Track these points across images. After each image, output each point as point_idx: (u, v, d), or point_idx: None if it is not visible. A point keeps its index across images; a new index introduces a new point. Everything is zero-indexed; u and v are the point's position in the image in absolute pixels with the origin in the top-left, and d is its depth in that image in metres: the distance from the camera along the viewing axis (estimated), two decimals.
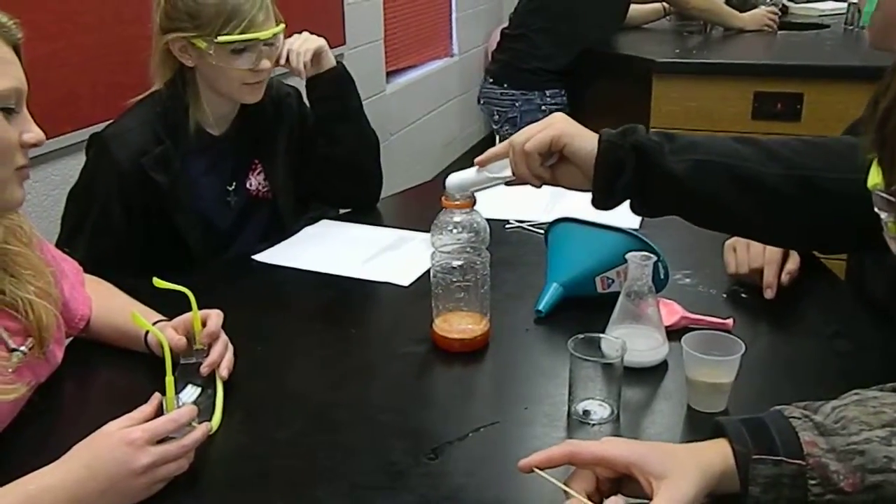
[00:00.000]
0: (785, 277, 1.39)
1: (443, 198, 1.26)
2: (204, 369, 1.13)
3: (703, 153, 1.10)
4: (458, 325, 1.28)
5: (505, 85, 3.09)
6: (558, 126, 1.13)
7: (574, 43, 3.03)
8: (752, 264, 1.40)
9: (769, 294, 1.37)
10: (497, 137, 3.30)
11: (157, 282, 1.16)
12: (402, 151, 4.14)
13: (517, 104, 3.05)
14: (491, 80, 3.18)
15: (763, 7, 3.44)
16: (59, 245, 1.38)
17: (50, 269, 1.17)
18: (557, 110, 2.99)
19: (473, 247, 1.26)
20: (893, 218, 0.80)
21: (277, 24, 1.59)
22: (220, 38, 1.51)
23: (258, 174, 1.75)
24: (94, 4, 1.95)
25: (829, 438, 0.81)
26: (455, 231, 1.25)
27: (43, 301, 1.11)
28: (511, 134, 3.14)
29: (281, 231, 1.75)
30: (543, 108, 3.00)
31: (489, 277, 1.27)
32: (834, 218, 1.10)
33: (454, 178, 1.23)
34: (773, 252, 1.40)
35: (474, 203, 1.26)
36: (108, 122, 2.00)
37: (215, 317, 1.18)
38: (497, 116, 3.14)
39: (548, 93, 3.03)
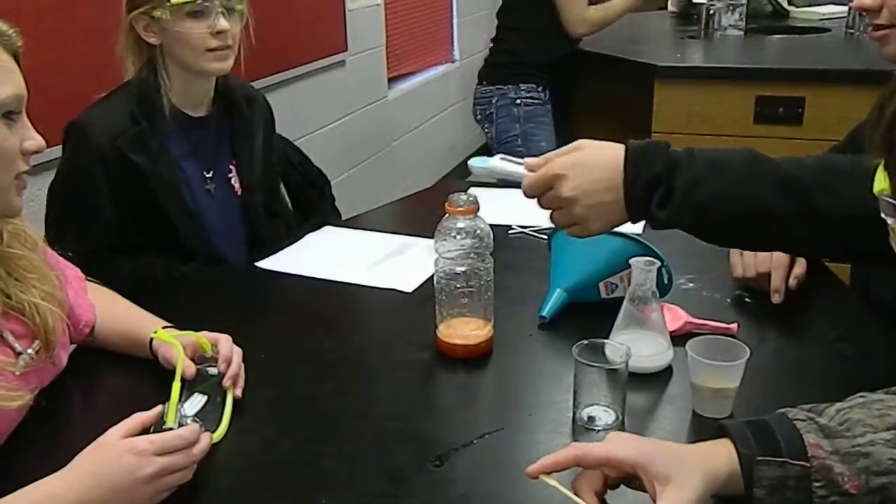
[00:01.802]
0: (793, 282, 1.38)
1: (446, 204, 1.27)
2: (226, 382, 1.13)
3: (712, 196, 1.07)
4: (462, 331, 1.28)
5: (484, 83, 3.10)
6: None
7: (541, 39, 2.98)
8: (759, 268, 1.40)
9: (777, 299, 1.37)
10: (485, 135, 3.26)
11: (160, 334, 1.18)
12: (403, 157, 4.15)
13: (493, 100, 3.02)
14: (477, 82, 3.19)
15: None
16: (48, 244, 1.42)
17: (54, 272, 1.17)
18: (534, 105, 2.95)
19: (477, 253, 1.26)
20: None
21: None
22: (174, 1, 1.54)
23: (234, 175, 1.76)
24: (96, 12, 1.96)
25: (834, 441, 0.82)
26: (458, 237, 1.25)
27: (48, 304, 1.11)
28: (490, 131, 3.20)
29: (253, 232, 1.76)
30: (518, 101, 2.96)
31: (493, 283, 1.27)
32: (843, 243, 1.10)
33: (479, 160, 1.24)
34: (781, 256, 1.39)
35: (478, 209, 1.26)
36: None
37: (225, 341, 1.18)
38: (479, 115, 3.12)
39: (522, 87, 2.97)
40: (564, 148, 1.15)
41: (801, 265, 1.41)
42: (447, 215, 1.26)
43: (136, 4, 1.58)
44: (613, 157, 1.10)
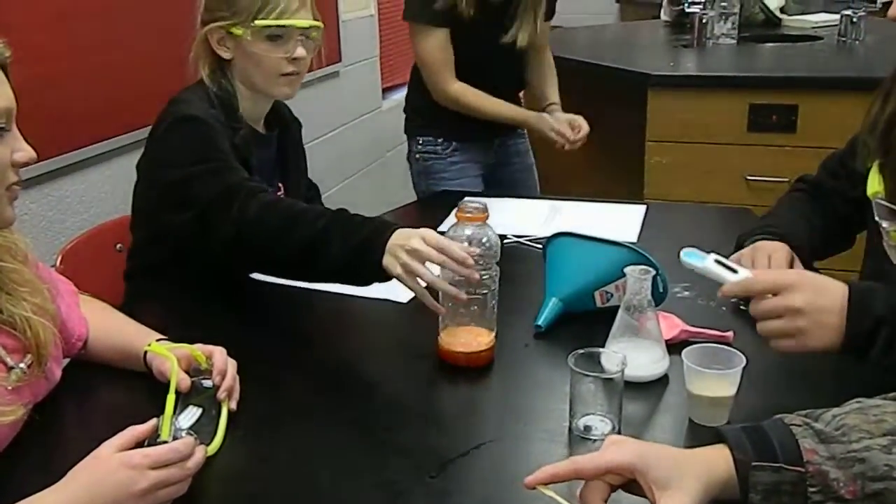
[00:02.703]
0: None
1: (456, 210, 1.27)
2: (221, 394, 1.13)
3: None
4: (464, 338, 1.27)
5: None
6: None
7: (414, 82, 2.47)
8: None
9: None
10: None
11: (154, 347, 1.18)
12: (398, 167, 4.14)
13: (405, 153, 2.59)
14: None
15: (565, 116, 2.38)
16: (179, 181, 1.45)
17: (46, 286, 1.16)
18: (432, 160, 2.44)
19: (484, 261, 1.26)
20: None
21: (315, 20, 1.62)
22: (258, 23, 1.54)
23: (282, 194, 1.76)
24: (92, 26, 1.96)
25: (830, 446, 0.82)
26: (466, 245, 1.25)
27: (40, 318, 1.11)
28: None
29: None
30: (417, 155, 2.49)
31: (497, 293, 1.27)
32: None
33: (693, 254, 1.18)
34: (781, 268, 1.39)
35: (487, 217, 1.26)
36: (104, 142, 2.02)
37: (220, 354, 1.17)
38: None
39: (420, 139, 2.45)
40: (781, 270, 1.15)
41: None
42: (457, 223, 1.26)
43: (214, 18, 1.57)
44: (839, 287, 1.10)
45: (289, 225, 1.37)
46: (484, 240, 1.25)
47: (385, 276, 1.32)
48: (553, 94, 2.47)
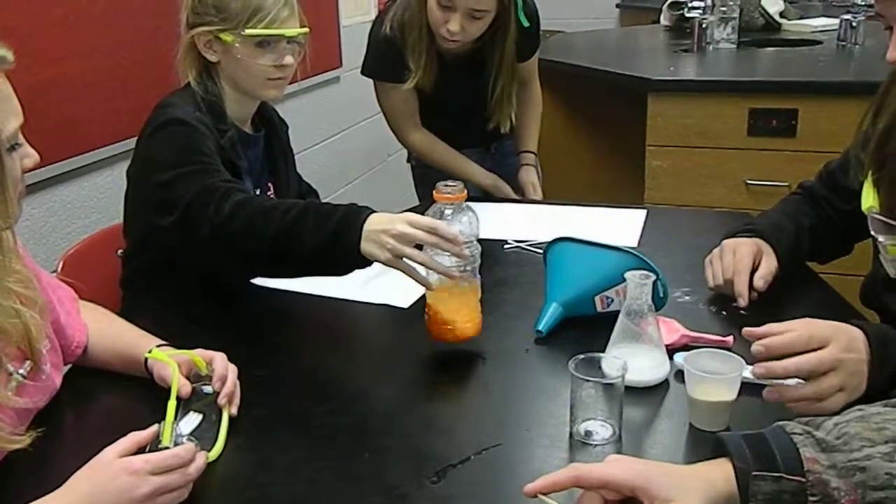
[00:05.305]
0: (759, 282, 1.40)
1: (434, 191, 1.27)
2: (221, 400, 1.13)
3: None
4: (451, 313, 1.28)
5: None
6: None
7: None
8: (725, 275, 1.42)
9: (742, 303, 1.39)
10: None
11: (155, 353, 1.19)
12: (399, 172, 4.15)
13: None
14: None
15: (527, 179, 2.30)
16: (162, 185, 1.45)
17: (32, 274, 1.14)
18: (421, 168, 2.42)
19: (468, 238, 1.26)
20: (892, 240, 0.80)
21: (302, 26, 1.63)
22: (247, 31, 1.55)
23: (272, 194, 1.77)
24: (94, 31, 1.96)
25: (831, 455, 0.81)
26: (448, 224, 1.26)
27: (28, 309, 1.08)
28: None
29: None
30: (414, 163, 2.49)
31: (479, 270, 1.29)
32: None
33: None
34: (742, 261, 1.42)
35: (466, 196, 1.27)
36: (106, 147, 2.02)
37: (220, 359, 1.18)
38: None
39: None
40: (793, 325, 1.08)
41: (766, 266, 1.42)
42: (435, 203, 1.27)
43: (202, 21, 1.57)
44: (858, 333, 1.07)
45: (261, 220, 1.37)
46: (465, 218, 1.26)
47: (364, 263, 1.32)
48: (529, 141, 2.34)
